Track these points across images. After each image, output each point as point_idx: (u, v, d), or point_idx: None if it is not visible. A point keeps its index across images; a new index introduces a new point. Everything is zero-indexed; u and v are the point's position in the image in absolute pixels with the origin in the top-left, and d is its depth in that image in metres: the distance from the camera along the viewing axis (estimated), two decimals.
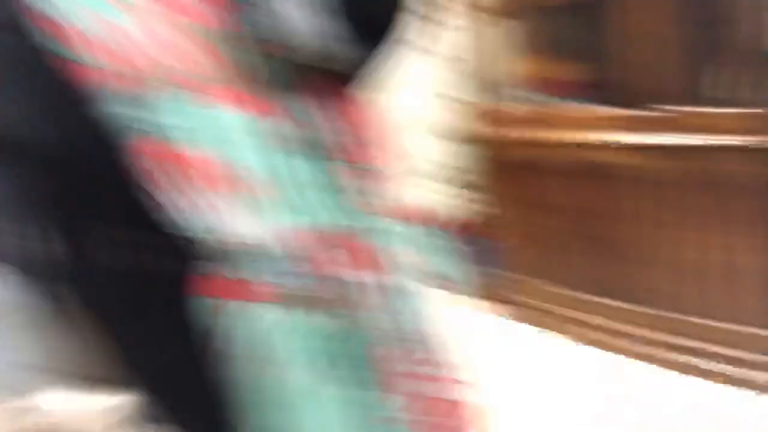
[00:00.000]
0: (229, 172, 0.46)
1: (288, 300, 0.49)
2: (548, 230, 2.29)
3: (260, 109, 0.48)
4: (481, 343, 2.17)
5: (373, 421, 0.55)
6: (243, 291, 0.47)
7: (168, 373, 0.52)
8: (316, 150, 0.51)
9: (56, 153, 0.45)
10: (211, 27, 0.46)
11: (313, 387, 0.51)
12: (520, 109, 2.28)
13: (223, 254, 0.46)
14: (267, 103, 0.48)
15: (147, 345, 0.50)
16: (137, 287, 0.48)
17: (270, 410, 0.50)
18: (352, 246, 0.54)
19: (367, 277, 0.54)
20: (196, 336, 0.47)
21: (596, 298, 2.26)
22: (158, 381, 0.52)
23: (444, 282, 0.62)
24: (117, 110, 0.43)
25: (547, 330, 2.42)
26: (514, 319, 2.54)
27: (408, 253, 0.59)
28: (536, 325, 2.47)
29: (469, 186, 2.66)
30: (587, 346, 2.25)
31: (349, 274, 0.53)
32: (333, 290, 0.52)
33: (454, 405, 0.62)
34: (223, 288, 0.47)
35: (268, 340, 0.48)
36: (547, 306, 2.45)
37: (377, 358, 0.54)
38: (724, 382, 1.84)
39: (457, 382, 0.62)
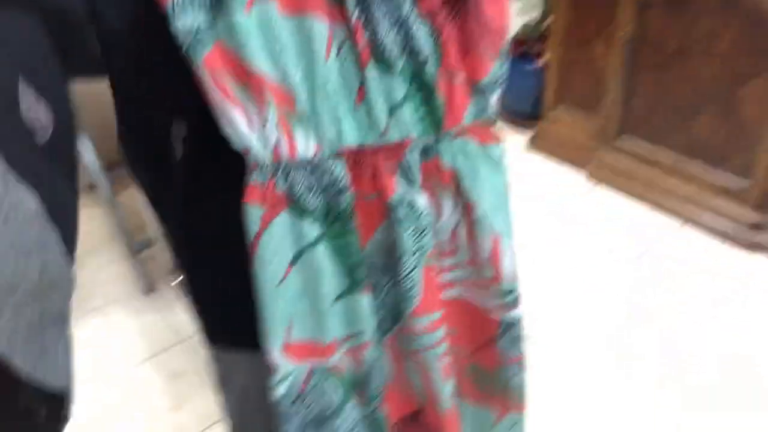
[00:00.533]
0: (290, 87, 0.45)
1: (328, 215, 0.50)
2: (623, 66, 1.95)
3: (344, 19, 0.44)
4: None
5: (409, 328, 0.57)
6: (288, 202, 0.49)
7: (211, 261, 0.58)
8: (408, 62, 0.47)
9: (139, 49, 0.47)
10: None
11: (344, 294, 0.53)
12: None
13: (273, 167, 0.48)
14: (356, 14, 0.44)
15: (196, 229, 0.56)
16: (196, 177, 0.53)
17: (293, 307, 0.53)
18: (414, 163, 0.51)
19: (423, 196, 0.53)
20: (244, 236, 0.50)
21: (632, 143, 2.01)
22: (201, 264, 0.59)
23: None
24: (194, 16, 0.42)
25: (566, 163, 2.27)
26: (533, 147, 2.35)
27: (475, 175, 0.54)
28: (555, 157, 2.31)
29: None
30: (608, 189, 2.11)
31: (403, 192, 0.51)
32: (378, 209, 0.52)
33: (488, 314, 0.61)
34: (268, 198, 0.48)
35: (311, 257, 0.51)
36: (570, 140, 2.22)
37: (417, 274, 0.54)
38: None
39: (497, 293, 0.60)
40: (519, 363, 0.64)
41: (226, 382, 0.66)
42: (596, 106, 2.09)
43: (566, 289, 1.72)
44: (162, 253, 1.87)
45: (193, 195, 0.54)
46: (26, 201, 0.31)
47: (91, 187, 2.23)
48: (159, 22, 0.42)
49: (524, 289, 0.61)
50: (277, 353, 0.53)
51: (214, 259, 0.57)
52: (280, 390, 0.55)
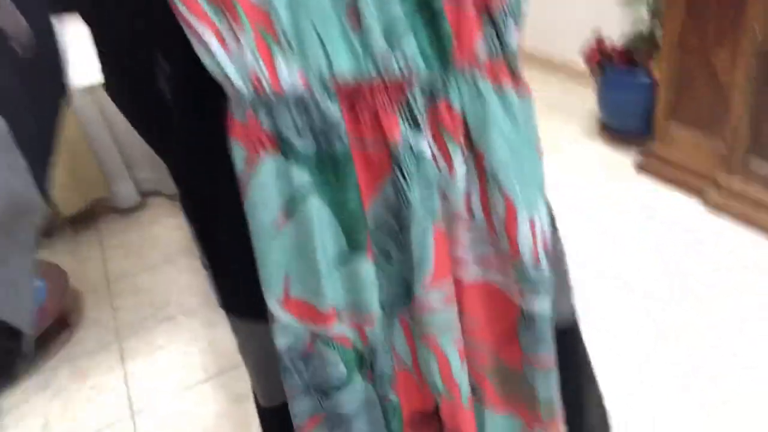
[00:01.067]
0: (266, 4, 0.40)
1: (322, 161, 0.45)
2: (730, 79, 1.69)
3: None
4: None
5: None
6: (274, 143, 0.44)
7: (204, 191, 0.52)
8: None
9: None
10: None
11: (343, 258, 0.48)
12: None
13: (258, 102, 0.43)
14: None
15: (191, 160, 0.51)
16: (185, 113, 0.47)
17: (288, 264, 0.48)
18: (418, 102, 0.45)
19: (428, 143, 0.46)
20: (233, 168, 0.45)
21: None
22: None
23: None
24: None
25: (681, 189, 2.00)
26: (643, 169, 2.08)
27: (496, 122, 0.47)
28: (668, 182, 2.03)
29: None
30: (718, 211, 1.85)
31: (407, 137, 0.45)
32: (380, 160, 0.46)
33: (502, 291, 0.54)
34: (252, 136, 0.43)
35: (305, 210, 0.45)
36: (686, 162, 1.94)
37: (429, 239, 0.48)
38: None
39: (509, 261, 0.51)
40: (546, 370, 0.55)
41: (244, 349, 0.63)
42: (717, 125, 1.83)
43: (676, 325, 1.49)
44: None
45: (189, 140, 0.49)
46: None
47: (176, 197, 2.25)
48: None
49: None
50: (274, 304, 0.49)
51: (219, 214, 0.52)
52: (281, 342, 0.51)
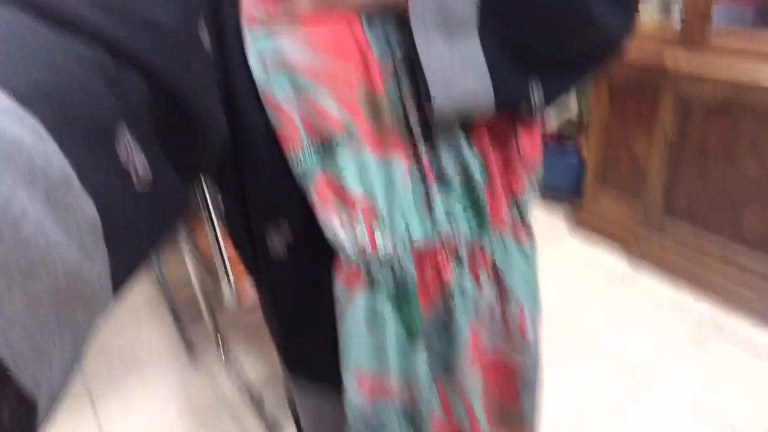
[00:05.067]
0: (374, 203, 0.59)
1: (398, 296, 0.64)
2: (650, 158, 2.05)
3: (416, 157, 0.61)
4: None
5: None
6: (369, 285, 0.63)
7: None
8: (462, 181, 0.63)
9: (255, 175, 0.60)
10: (372, 90, 0.57)
11: (406, 353, 0.68)
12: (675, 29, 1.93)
13: (360, 259, 0.61)
14: (425, 155, 0.60)
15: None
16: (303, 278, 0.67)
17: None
18: (472, 257, 0.66)
19: (471, 279, 0.67)
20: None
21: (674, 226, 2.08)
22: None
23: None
24: (311, 161, 0.57)
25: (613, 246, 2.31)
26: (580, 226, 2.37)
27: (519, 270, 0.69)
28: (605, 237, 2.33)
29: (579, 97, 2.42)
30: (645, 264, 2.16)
31: (456, 277, 0.65)
32: (433, 286, 0.65)
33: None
34: (354, 281, 0.62)
35: (379, 316, 0.64)
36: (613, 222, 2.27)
37: (466, 337, 0.68)
38: None
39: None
40: (535, 404, 0.80)
41: (301, 404, 0.81)
42: (638, 192, 2.17)
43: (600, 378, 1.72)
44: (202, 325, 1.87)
45: (292, 276, 0.67)
46: (84, 206, 0.29)
47: None
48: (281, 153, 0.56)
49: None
50: (350, 384, 0.67)
51: (301, 315, 0.71)
52: (350, 416, 0.69)
